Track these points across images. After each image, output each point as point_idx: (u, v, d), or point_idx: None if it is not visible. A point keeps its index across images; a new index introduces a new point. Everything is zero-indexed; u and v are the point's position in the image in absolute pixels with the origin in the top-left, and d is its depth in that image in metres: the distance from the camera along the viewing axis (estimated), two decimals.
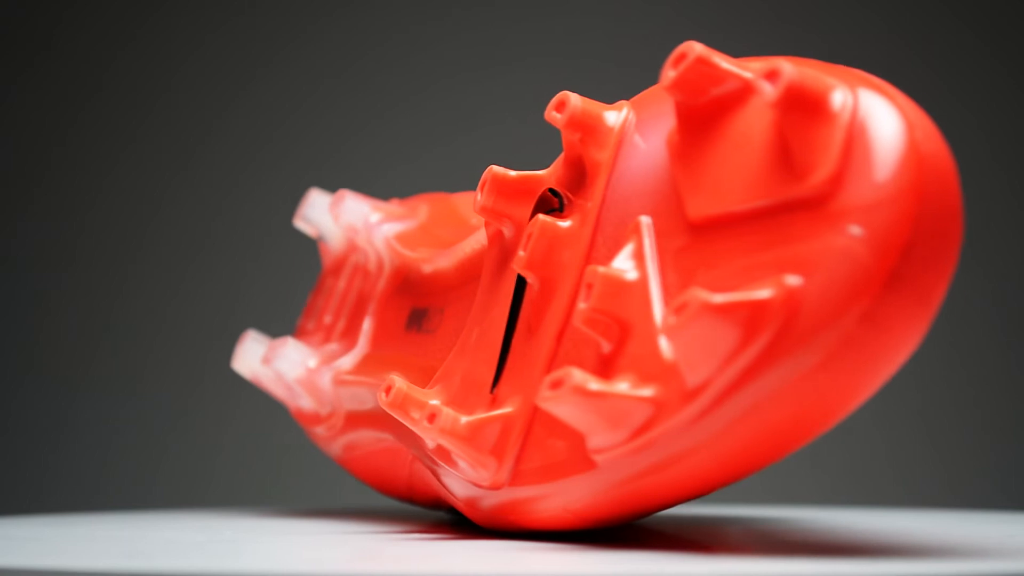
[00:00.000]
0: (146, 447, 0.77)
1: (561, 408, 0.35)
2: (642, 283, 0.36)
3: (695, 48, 0.35)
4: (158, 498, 0.77)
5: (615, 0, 0.78)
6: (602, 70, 0.77)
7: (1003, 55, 0.76)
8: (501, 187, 0.40)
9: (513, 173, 0.40)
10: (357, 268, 0.49)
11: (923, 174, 0.33)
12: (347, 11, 0.78)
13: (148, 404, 0.77)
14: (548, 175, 0.39)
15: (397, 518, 0.48)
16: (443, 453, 0.39)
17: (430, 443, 0.39)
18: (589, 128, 0.38)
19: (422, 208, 0.48)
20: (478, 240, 0.43)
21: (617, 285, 0.36)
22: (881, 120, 0.33)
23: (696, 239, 0.35)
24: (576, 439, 0.36)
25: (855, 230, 0.33)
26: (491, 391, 0.39)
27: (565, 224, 0.38)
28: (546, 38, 0.78)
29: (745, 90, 0.35)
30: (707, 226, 0.35)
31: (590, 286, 0.36)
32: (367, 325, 0.46)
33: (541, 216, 0.38)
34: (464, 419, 0.38)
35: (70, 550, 0.38)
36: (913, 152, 0.33)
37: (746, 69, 0.35)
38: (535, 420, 0.37)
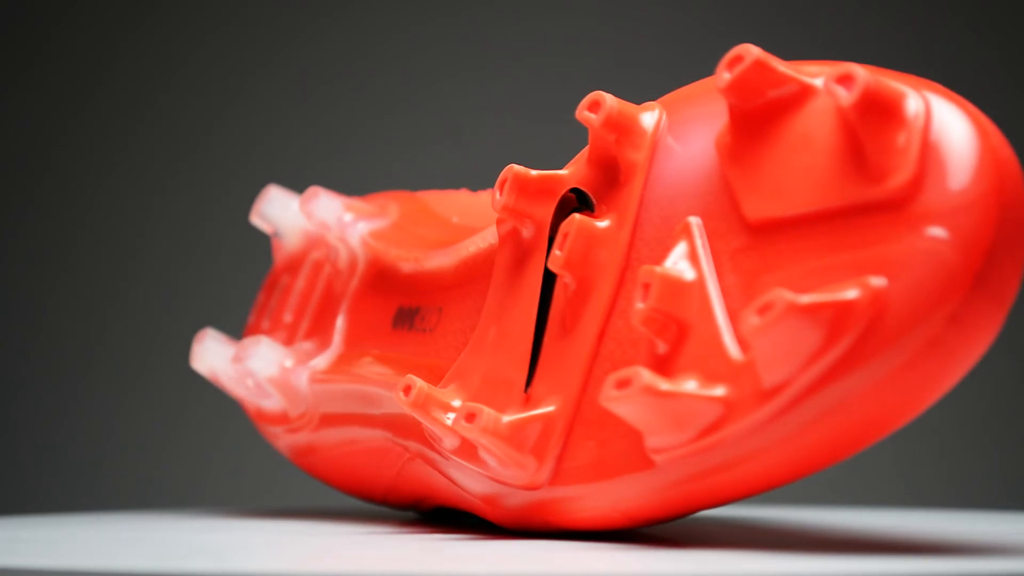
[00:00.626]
0: (138, 447, 0.77)
1: (626, 408, 0.35)
2: (700, 283, 0.36)
3: (752, 51, 0.36)
4: (154, 497, 0.77)
5: (613, 1, 0.78)
6: (602, 70, 0.77)
7: (1003, 55, 0.76)
8: (522, 186, 0.40)
9: (534, 172, 0.40)
10: (318, 266, 0.48)
11: (1001, 178, 0.33)
12: (346, 11, 0.78)
13: (145, 403, 0.77)
14: (570, 175, 0.39)
15: (367, 517, 0.47)
16: (468, 452, 0.39)
17: (449, 442, 0.39)
18: (625, 129, 0.38)
19: (392, 207, 0.48)
20: (485, 239, 0.42)
21: (675, 285, 0.36)
22: (954, 125, 0.34)
23: (756, 240, 0.35)
24: (629, 438, 0.36)
25: (939, 232, 0.33)
26: (525, 390, 0.39)
27: (602, 224, 0.38)
28: (546, 38, 0.78)
29: (802, 93, 0.36)
30: (768, 228, 0.35)
31: (647, 286, 0.36)
32: (340, 323, 0.46)
33: (578, 216, 0.38)
34: (505, 418, 0.38)
35: (70, 550, 0.38)
36: (991, 156, 0.33)
37: (803, 73, 0.36)
38: (576, 419, 0.37)
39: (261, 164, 0.78)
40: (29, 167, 0.79)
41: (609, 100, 0.38)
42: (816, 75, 0.36)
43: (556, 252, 0.38)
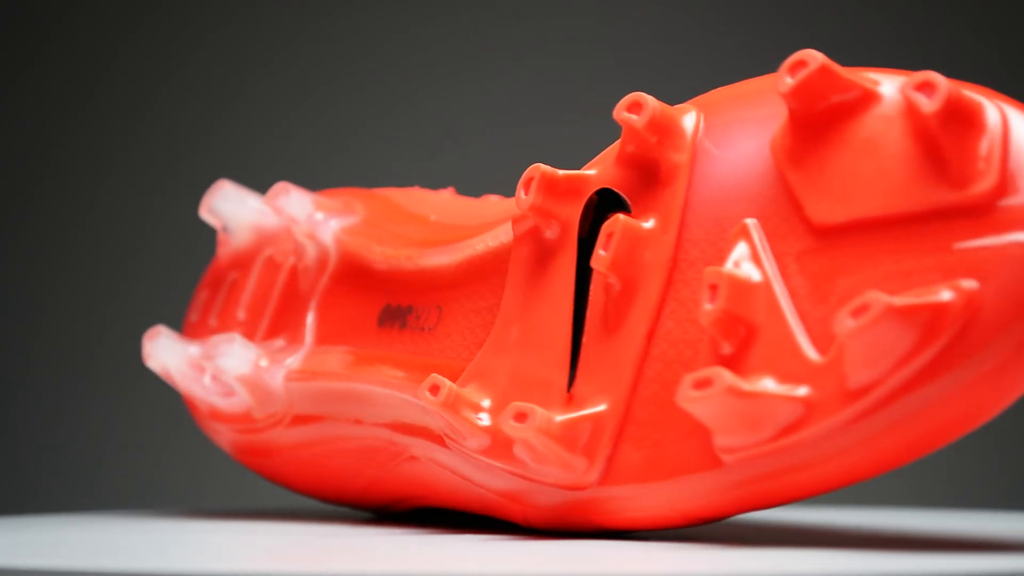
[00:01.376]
0: (138, 447, 0.77)
1: (704, 408, 0.35)
2: (766, 285, 0.36)
3: (817, 56, 0.36)
4: (154, 497, 0.77)
5: (613, 1, 0.78)
6: (602, 70, 0.77)
7: (1003, 55, 0.76)
8: (549, 185, 0.40)
9: (561, 172, 0.40)
10: (272, 262, 0.48)
11: None
12: (346, 11, 0.78)
13: (145, 403, 0.77)
14: (598, 176, 0.40)
15: (358, 519, 0.47)
16: (499, 452, 0.39)
17: (477, 442, 0.39)
18: (666, 130, 0.39)
19: (356, 204, 0.47)
20: (495, 237, 0.42)
21: (743, 287, 0.36)
22: None
23: (823, 243, 0.36)
24: (691, 438, 0.37)
25: None
26: (568, 390, 0.39)
27: (646, 225, 0.38)
28: (546, 38, 0.78)
29: (864, 99, 0.36)
30: (836, 231, 0.36)
31: (715, 287, 0.36)
32: (311, 321, 0.46)
33: (622, 216, 0.38)
34: (557, 418, 0.38)
35: (70, 550, 0.38)
36: None
37: (864, 80, 0.36)
38: (627, 419, 0.38)
39: (261, 164, 0.78)
40: (29, 167, 0.79)
41: (651, 101, 0.38)
42: (875, 82, 0.36)
43: (601, 252, 0.38)
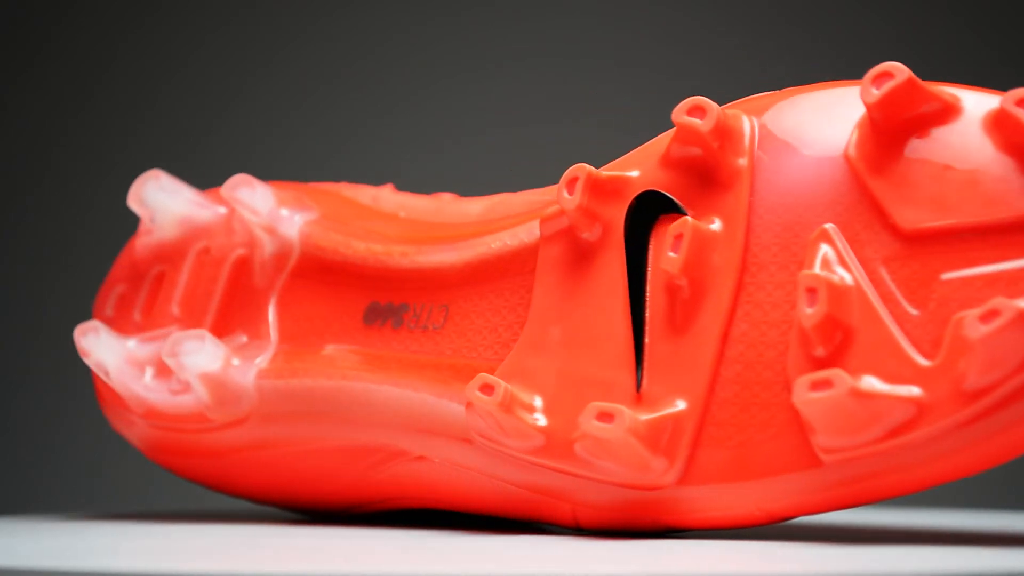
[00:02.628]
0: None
1: (821, 409, 0.36)
2: (858, 288, 0.37)
3: (904, 69, 0.37)
4: (154, 497, 0.77)
5: (613, 1, 0.78)
6: (602, 70, 0.77)
7: (1003, 55, 0.76)
8: (594, 186, 0.40)
9: (604, 173, 0.40)
10: (206, 256, 0.47)
11: None
12: (346, 11, 0.78)
13: None
14: (641, 178, 0.40)
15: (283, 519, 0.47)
16: (556, 451, 0.39)
17: (529, 443, 0.39)
18: (728, 135, 0.39)
19: (306, 199, 0.47)
20: (515, 236, 0.42)
21: (839, 290, 0.37)
22: None
23: (913, 249, 0.37)
24: (781, 438, 0.37)
25: None
26: (637, 390, 0.39)
27: (714, 227, 0.39)
28: (546, 38, 0.78)
29: (945, 111, 0.37)
30: (927, 236, 0.37)
31: (813, 291, 0.37)
32: (272, 318, 0.45)
33: (690, 219, 0.39)
34: (642, 418, 0.38)
35: (70, 550, 0.38)
36: None
37: (944, 92, 0.38)
38: (706, 420, 0.38)
39: (261, 164, 0.78)
40: (29, 167, 0.79)
41: (715, 106, 0.39)
42: (954, 95, 0.38)
43: (671, 255, 0.38)
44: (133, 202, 0.48)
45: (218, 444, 0.46)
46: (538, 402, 0.40)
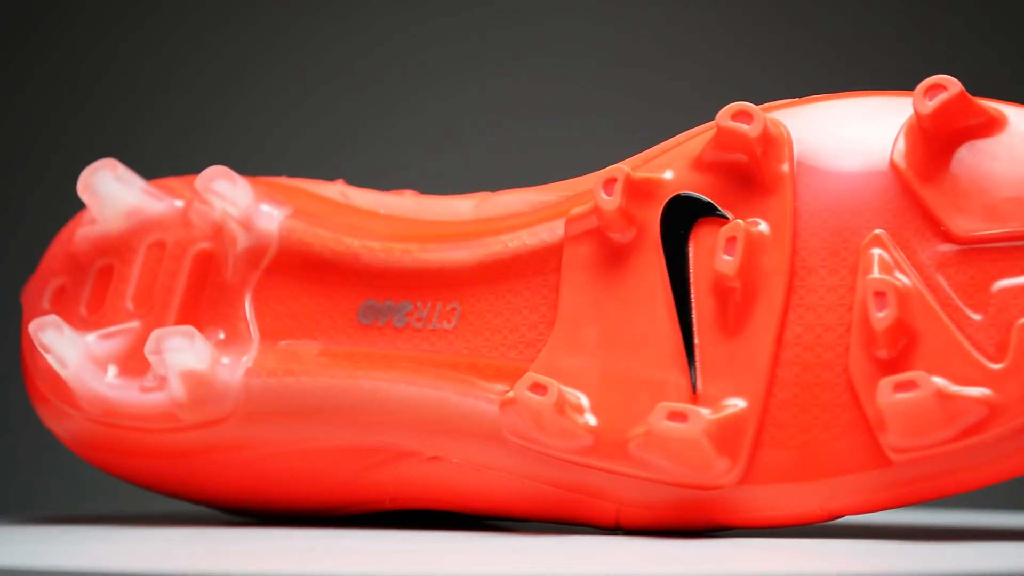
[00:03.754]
0: None
1: (905, 409, 0.37)
2: (919, 293, 0.38)
3: (955, 82, 0.39)
4: (155, 497, 0.77)
5: (623, 5, 0.78)
6: (602, 70, 0.77)
7: (1003, 55, 0.76)
8: (633, 188, 0.41)
9: (639, 174, 0.41)
10: (160, 249, 0.46)
11: None
12: (346, 12, 0.78)
13: None
14: (676, 180, 0.41)
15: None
16: (608, 451, 0.39)
17: (577, 442, 0.40)
18: (771, 141, 0.40)
19: (276, 193, 0.46)
20: (535, 236, 0.42)
21: (905, 294, 0.38)
22: None
23: (967, 255, 0.38)
24: (846, 438, 0.38)
25: None
26: (694, 391, 0.39)
27: (763, 230, 0.40)
28: (545, 39, 0.78)
29: (990, 124, 0.39)
30: (981, 243, 0.38)
31: (882, 295, 0.38)
32: (250, 315, 0.45)
33: (741, 222, 0.40)
34: (711, 418, 0.39)
35: (70, 550, 0.37)
36: None
37: (988, 106, 0.39)
38: (765, 420, 0.39)
39: (262, 164, 0.78)
40: (29, 167, 0.79)
41: (760, 112, 0.40)
42: (998, 109, 0.39)
43: (727, 257, 0.39)
44: (83, 190, 0.47)
45: (186, 445, 0.44)
46: (585, 401, 0.40)
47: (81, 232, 0.47)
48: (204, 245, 0.45)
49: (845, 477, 0.38)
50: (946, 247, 0.39)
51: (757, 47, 0.77)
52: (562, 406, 0.40)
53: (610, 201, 0.40)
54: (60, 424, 0.46)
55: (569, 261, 0.41)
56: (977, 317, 0.38)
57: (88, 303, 0.46)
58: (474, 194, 0.45)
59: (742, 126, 0.40)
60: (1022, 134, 0.39)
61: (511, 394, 0.40)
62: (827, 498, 0.38)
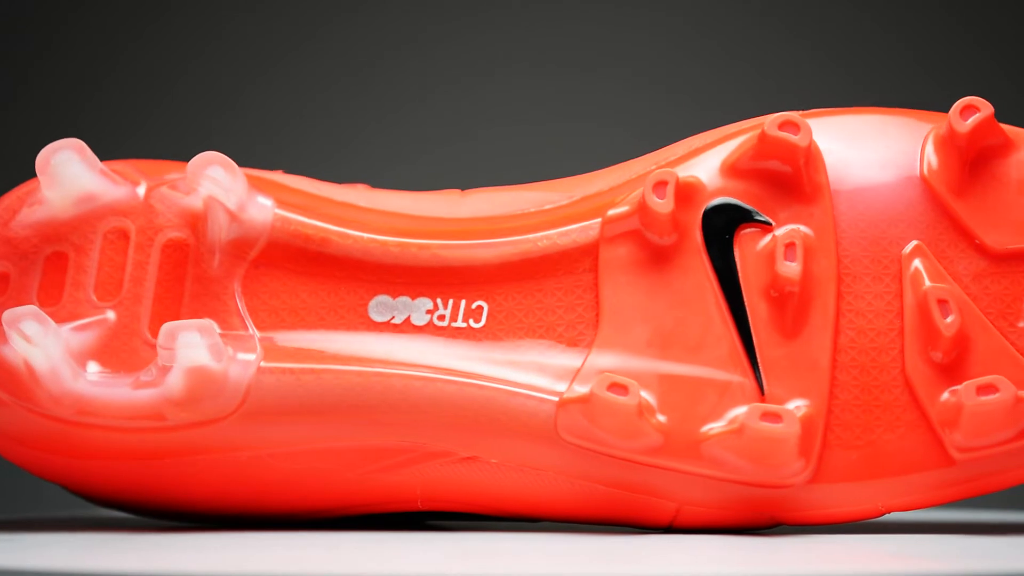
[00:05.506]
0: None
1: (986, 410, 0.40)
2: (967, 300, 0.41)
3: (987, 104, 0.41)
4: None
5: (611, 7, 0.78)
6: (603, 68, 0.77)
7: (1003, 56, 0.76)
8: (681, 192, 0.42)
9: (681, 178, 0.42)
10: (119, 237, 0.43)
11: None
12: (347, 15, 0.78)
13: None
14: (709, 185, 0.42)
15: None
16: (675, 451, 0.40)
17: (640, 442, 0.40)
18: (814, 151, 0.42)
19: (261, 184, 0.44)
20: (567, 236, 0.42)
21: (962, 302, 0.41)
22: None
23: (1002, 268, 0.41)
24: (909, 437, 0.40)
25: None
26: (761, 392, 0.41)
27: (811, 237, 0.42)
28: (546, 43, 0.78)
29: (1007, 144, 0.42)
30: (1013, 257, 0.41)
31: (945, 302, 0.41)
32: (243, 309, 0.42)
33: (800, 228, 0.41)
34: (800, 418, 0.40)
35: (70, 550, 0.37)
36: None
37: (1005, 128, 0.42)
38: (831, 421, 0.41)
39: (262, 164, 0.78)
40: (29, 167, 0.79)
41: (806, 122, 0.41)
42: (1011, 130, 0.42)
43: (790, 264, 0.41)
44: (42, 168, 0.43)
45: (168, 446, 0.42)
46: (654, 401, 0.40)
47: (23, 216, 0.44)
48: (174, 234, 0.43)
49: (912, 475, 0.40)
50: (980, 259, 0.41)
51: (757, 47, 0.77)
52: (641, 407, 0.40)
53: (664, 204, 0.41)
54: (6, 427, 0.42)
55: (607, 262, 0.42)
56: (1020, 324, 0.41)
57: (40, 294, 0.43)
58: (443, 191, 0.44)
59: (791, 136, 0.41)
60: None
61: (584, 392, 0.40)
62: (890, 496, 0.40)
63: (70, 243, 0.43)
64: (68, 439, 0.42)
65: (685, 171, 0.42)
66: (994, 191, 0.42)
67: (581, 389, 0.40)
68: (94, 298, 0.43)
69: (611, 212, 0.42)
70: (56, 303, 0.43)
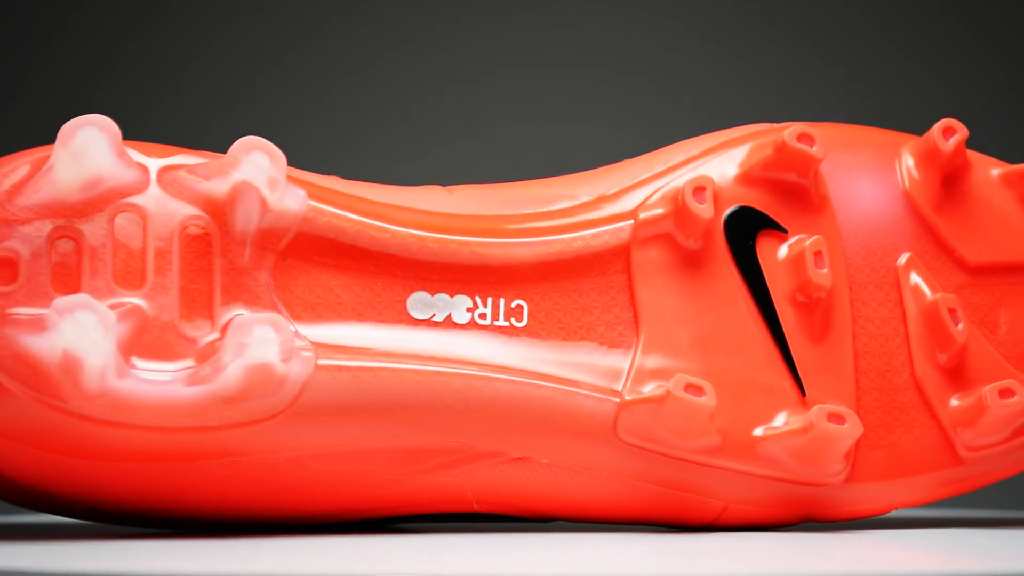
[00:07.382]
0: None
1: (1002, 412, 0.42)
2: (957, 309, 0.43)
3: (962, 125, 0.44)
4: None
5: (611, 8, 0.78)
6: (602, 69, 0.77)
7: (1003, 54, 0.76)
8: (714, 196, 0.43)
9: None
10: (139, 225, 0.40)
11: None
12: (349, 16, 0.78)
13: None
14: (726, 191, 0.43)
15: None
16: (732, 451, 0.41)
17: (696, 442, 0.41)
18: (820, 163, 0.43)
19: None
20: (599, 237, 0.42)
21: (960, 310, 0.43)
22: None
23: (977, 280, 0.44)
24: (924, 438, 0.42)
25: None
26: (803, 395, 0.42)
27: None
28: (546, 44, 0.78)
29: (969, 166, 0.44)
30: (987, 270, 0.44)
31: (954, 311, 0.43)
32: (277, 302, 0.40)
33: (815, 236, 0.42)
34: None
35: (70, 550, 0.37)
36: None
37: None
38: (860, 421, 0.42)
39: None
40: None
41: (819, 134, 0.43)
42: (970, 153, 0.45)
43: (823, 271, 0.42)
44: (64, 141, 0.40)
45: (204, 446, 0.39)
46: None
47: (25, 194, 0.40)
48: (192, 221, 0.40)
49: (930, 474, 0.42)
50: (959, 271, 0.43)
51: (757, 48, 0.77)
52: (714, 408, 0.41)
53: (705, 209, 0.42)
54: (9, 423, 0.39)
55: (640, 264, 0.42)
56: (992, 335, 0.43)
57: (52, 280, 0.39)
58: (431, 186, 0.43)
59: (808, 148, 0.42)
60: (987, 179, 0.44)
61: (657, 392, 0.41)
62: (908, 493, 0.42)
63: (76, 226, 0.40)
64: (89, 439, 0.38)
65: (691, 175, 0.43)
66: (965, 207, 0.44)
67: (646, 390, 0.41)
68: (116, 287, 0.40)
69: (644, 215, 0.42)
70: (75, 290, 0.39)
